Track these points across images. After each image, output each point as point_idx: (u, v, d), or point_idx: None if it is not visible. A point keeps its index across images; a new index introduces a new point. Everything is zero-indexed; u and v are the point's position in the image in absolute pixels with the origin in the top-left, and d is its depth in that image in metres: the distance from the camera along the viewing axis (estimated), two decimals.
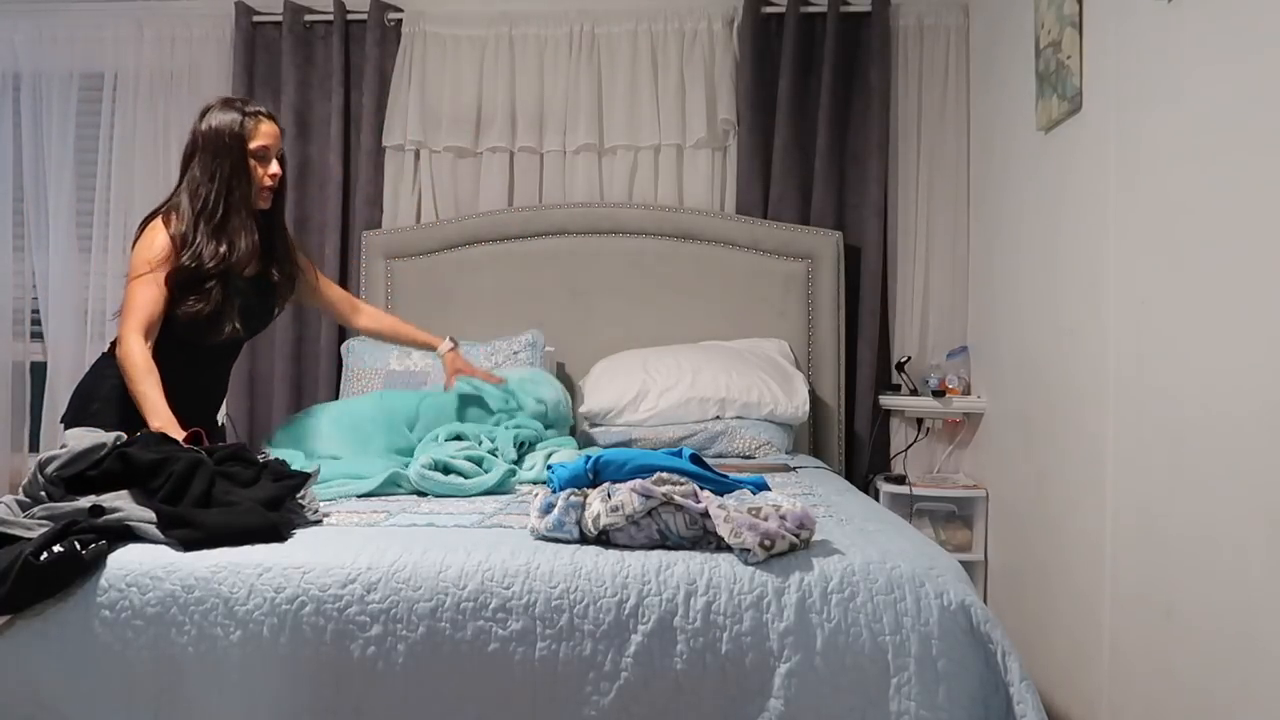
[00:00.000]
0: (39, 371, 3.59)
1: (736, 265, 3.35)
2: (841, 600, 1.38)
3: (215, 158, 2.22)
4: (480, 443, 2.32)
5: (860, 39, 3.42)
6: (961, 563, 1.75)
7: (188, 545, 1.48)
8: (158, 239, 2.22)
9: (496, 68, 3.48)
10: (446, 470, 2.10)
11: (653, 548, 1.48)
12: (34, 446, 3.59)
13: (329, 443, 2.37)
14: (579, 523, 1.51)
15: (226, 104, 2.29)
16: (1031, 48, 2.62)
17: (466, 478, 2.08)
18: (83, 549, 1.42)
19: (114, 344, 2.27)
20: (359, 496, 2.01)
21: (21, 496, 1.58)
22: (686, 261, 3.36)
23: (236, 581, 1.42)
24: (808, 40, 3.41)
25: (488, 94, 3.49)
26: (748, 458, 2.88)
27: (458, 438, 2.35)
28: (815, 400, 3.28)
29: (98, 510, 1.52)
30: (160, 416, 2.05)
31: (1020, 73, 2.75)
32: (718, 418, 2.97)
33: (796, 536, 1.45)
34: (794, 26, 3.36)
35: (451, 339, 2.71)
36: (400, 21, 3.52)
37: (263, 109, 2.31)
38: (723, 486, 1.69)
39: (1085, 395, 2.29)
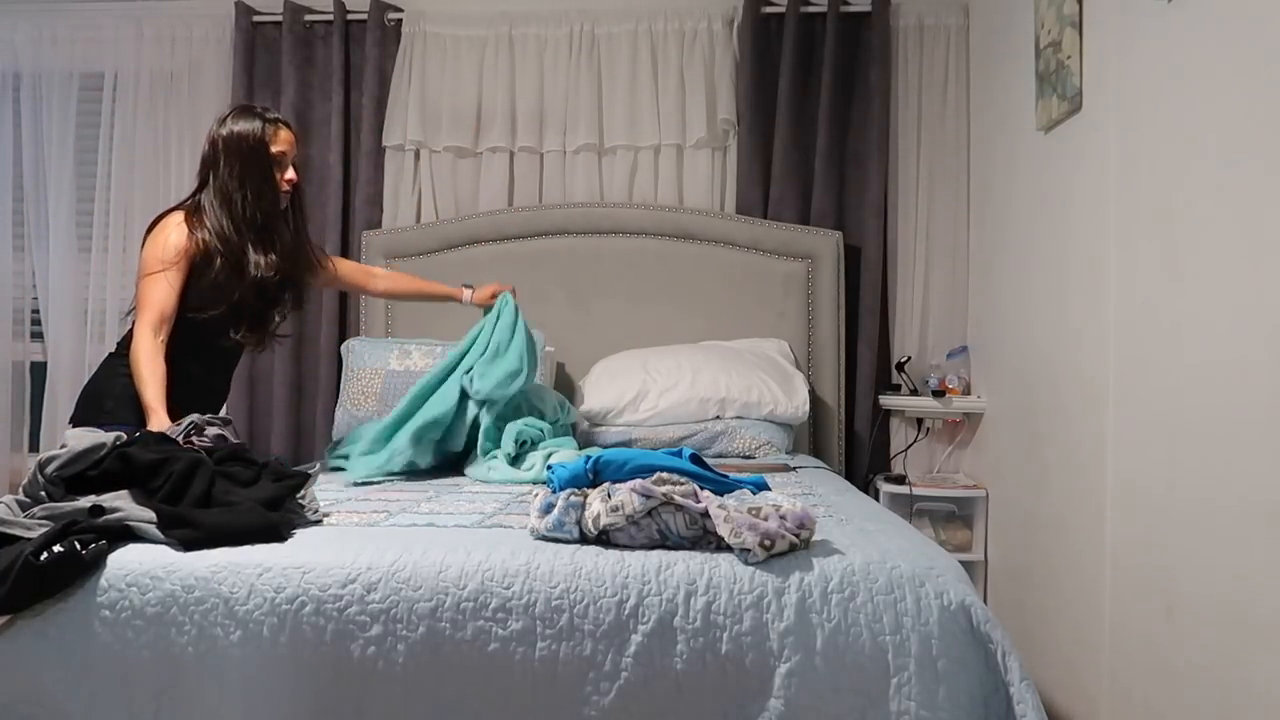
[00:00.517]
0: (39, 371, 3.59)
1: (736, 265, 3.35)
2: (841, 600, 1.38)
3: (243, 164, 2.27)
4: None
5: (860, 39, 3.42)
6: (961, 563, 1.75)
7: (188, 545, 1.48)
8: (171, 237, 2.24)
9: (496, 68, 3.48)
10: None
11: (653, 548, 1.48)
12: (34, 446, 3.59)
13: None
14: (579, 523, 1.51)
15: (245, 110, 2.34)
16: (1031, 48, 2.62)
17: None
18: (83, 549, 1.42)
19: (121, 343, 2.29)
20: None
21: (21, 496, 1.58)
22: (686, 261, 3.36)
23: (236, 581, 1.42)
24: (808, 40, 3.41)
25: (488, 94, 3.49)
26: (748, 458, 2.88)
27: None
28: (815, 400, 3.28)
29: (98, 510, 1.52)
30: (156, 418, 2.06)
31: (1020, 73, 2.75)
32: (718, 418, 2.97)
33: (796, 536, 1.45)
34: (794, 26, 3.36)
35: (467, 284, 2.82)
36: (400, 21, 3.52)
37: (280, 116, 2.37)
38: (723, 486, 1.69)
39: (1085, 395, 2.29)
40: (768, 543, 1.41)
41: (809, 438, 3.29)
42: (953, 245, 3.40)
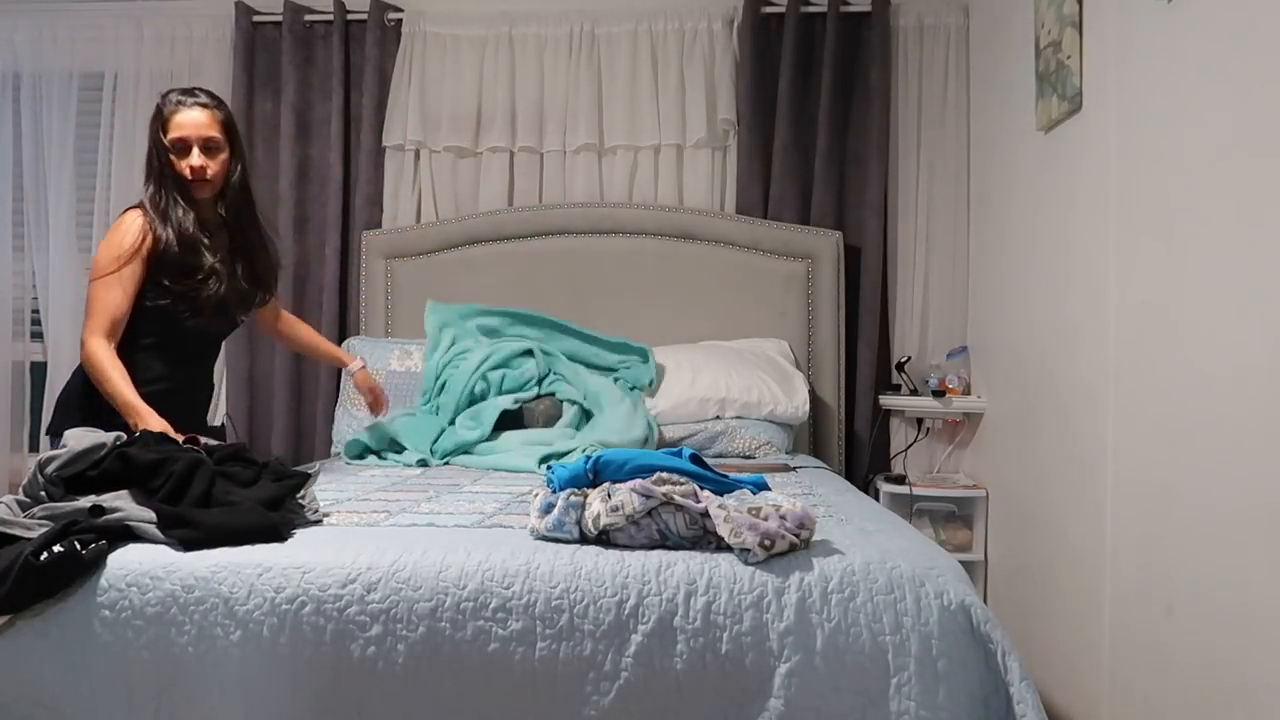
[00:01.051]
0: (39, 371, 3.59)
1: (736, 265, 3.35)
2: (841, 600, 1.38)
3: (149, 152, 2.23)
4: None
5: (860, 39, 3.42)
6: (961, 563, 1.75)
7: (188, 545, 1.48)
8: (119, 235, 2.17)
9: (496, 68, 3.48)
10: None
11: (653, 548, 1.48)
12: (34, 446, 3.59)
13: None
14: (579, 523, 1.51)
15: (169, 91, 2.28)
16: (1031, 48, 2.62)
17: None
18: (83, 549, 1.42)
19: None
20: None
21: (21, 496, 1.58)
22: (686, 261, 3.36)
23: (236, 581, 1.42)
24: (808, 40, 3.41)
25: (488, 94, 3.49)
26: (748, 458, 2.88)
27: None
28: (815, 400, 3.28)
29: (98, 510, 1.52)
30: (139, 413, 2.03)
31: (1020, 73, 2.75)
32: (718, 418, 2.97)
33: (796, 536, 1.45)
34: (794, 26, 3.36)
35: (361, 358, 2.84)
36: (400, 21, 3.52)
37: (190, 98, 2.24)
38: (723, 486, 1.69)
39: (1085, 395, 2.29)
40: (768, 543, 1.41)
41: (809, 438, 3.29)
42: (953, 245, 3.40)
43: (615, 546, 1.48)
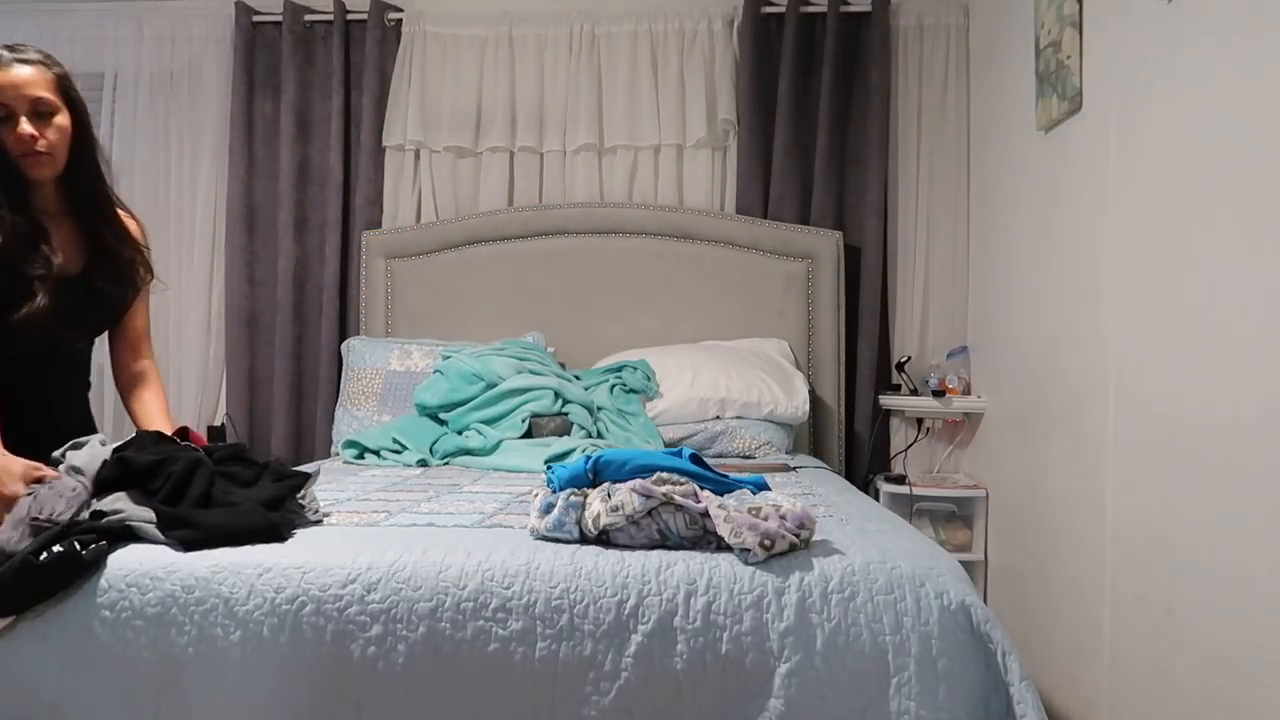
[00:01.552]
0: None
1: (736, 265, 3.35)
2: (841, 600, 1.38)
3: None
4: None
5: (860, 39, 3.42)
6: (961, 563, 1.75)
7: (188, 546, 1.48)
8: None
9: (496, 68, 3.48)
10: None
11: (653, 548, 1.48)
12: None
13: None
14: (579, 523, 1.51)
15: None
16: (1031, 48, 2.62)
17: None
18: (82, 549, 1.42)
19: None
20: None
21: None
22: (686, 261, 3.36)
23: (236, 581, 1.42)
24: (808, 40, 3.41)
25: (488, 94, 3.49)
26: (748, 458, 2.88)
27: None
28: (815, 400, 3.28)
29: (98, 512, 1.52)
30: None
31: (1020, 73, 2.75)
32: (718, 418, 2.97)
33: (796, 536, 1.45)
34: (794, 26, 3.36)
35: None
36: (400, 21, 3.52)
37: (12, 54, 1.77)
38: (723, 486, 1.69)
39: (1085, 395, 2.29)
40: (768, 543, 1.41)
41: (809, 438, 3.29)
42: (953, 245, 3.40)
43: (615, 546, 1.48)
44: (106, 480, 1.58)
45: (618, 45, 3.47)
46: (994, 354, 3.09)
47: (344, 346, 3.30)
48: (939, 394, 3.19)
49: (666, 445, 2.87)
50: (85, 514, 1.51)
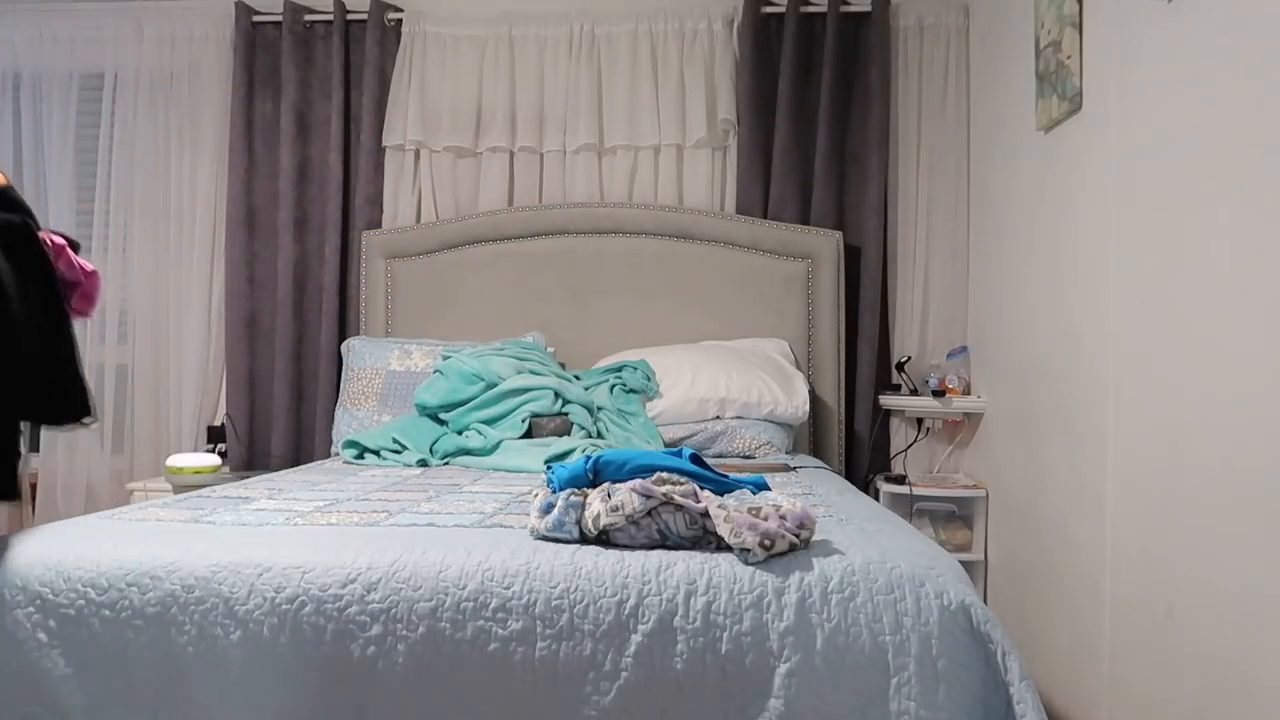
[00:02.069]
0: None
1: (736, 265, 3.35)
2: (841, 600, 1.38)
3: None
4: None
5: (860, 39, 3.42)
6: (961, 563, 1.75)
7: None
8: None
9: (496, 68, 3.48)
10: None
11: (653, 548, 1.48)
12: (34, 446, 3.59)
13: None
14: (579, 523, 1.51)
15: None
16: (1031, 48, 2.62)
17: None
18: None
19: None
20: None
21: None
22: (686, 261, 3.36)
23: (236, 581, 1.42)
24: (808, 40, 3.41)
25: (488, 94, 3.49)
26: (748, 458, 2.88)
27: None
28: (815, 400, 3.28)
29: None
30: None
31: (1020, 73, 2.75)
32: (718, 418, 2.97)
33: (796, 536, 1.45)
34: (794, 26, 3.36)
35: None
36: (400, 21, 3.52)
37: None
38: (723, 486, 1.69)
39: (1085, 395, 2.29)
40: (768, 543, 1.41)
41: (809, 438, 3.29)
42: (953, 245, 3.40)
43: (615, 546, 1.48)
44: None
45: (618, 45, 3.47)
46: (994, 354, 3.09)
47: (344, 346, 3.30)
48: (939, 394, 3.19)
49: (666, 445, 2.87)
50: None
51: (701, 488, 1.57)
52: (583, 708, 1.35)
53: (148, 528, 1.63)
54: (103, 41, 3.57)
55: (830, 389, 3.33)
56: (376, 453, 2.72)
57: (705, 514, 1.47)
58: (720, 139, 3.46)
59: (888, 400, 3.34)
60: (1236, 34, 1.65)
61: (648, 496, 1.47)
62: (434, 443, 2.73)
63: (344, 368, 3.26)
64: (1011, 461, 2.89)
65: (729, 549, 1.45)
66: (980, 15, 3.29)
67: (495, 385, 2.90)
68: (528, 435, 2.81)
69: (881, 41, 3.36)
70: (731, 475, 1.75)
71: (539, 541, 1.52)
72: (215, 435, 3.44)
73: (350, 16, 3.52)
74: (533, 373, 2.98)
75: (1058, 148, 2.50)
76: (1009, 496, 2.92)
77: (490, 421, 2.83)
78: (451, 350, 3.09)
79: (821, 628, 1.36)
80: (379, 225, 3.52)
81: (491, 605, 1.38)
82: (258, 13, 3.54)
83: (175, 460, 3.08)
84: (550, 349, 3.25)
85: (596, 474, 1.66)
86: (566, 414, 2.86)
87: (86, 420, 1.67)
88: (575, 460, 1.73)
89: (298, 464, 3.44)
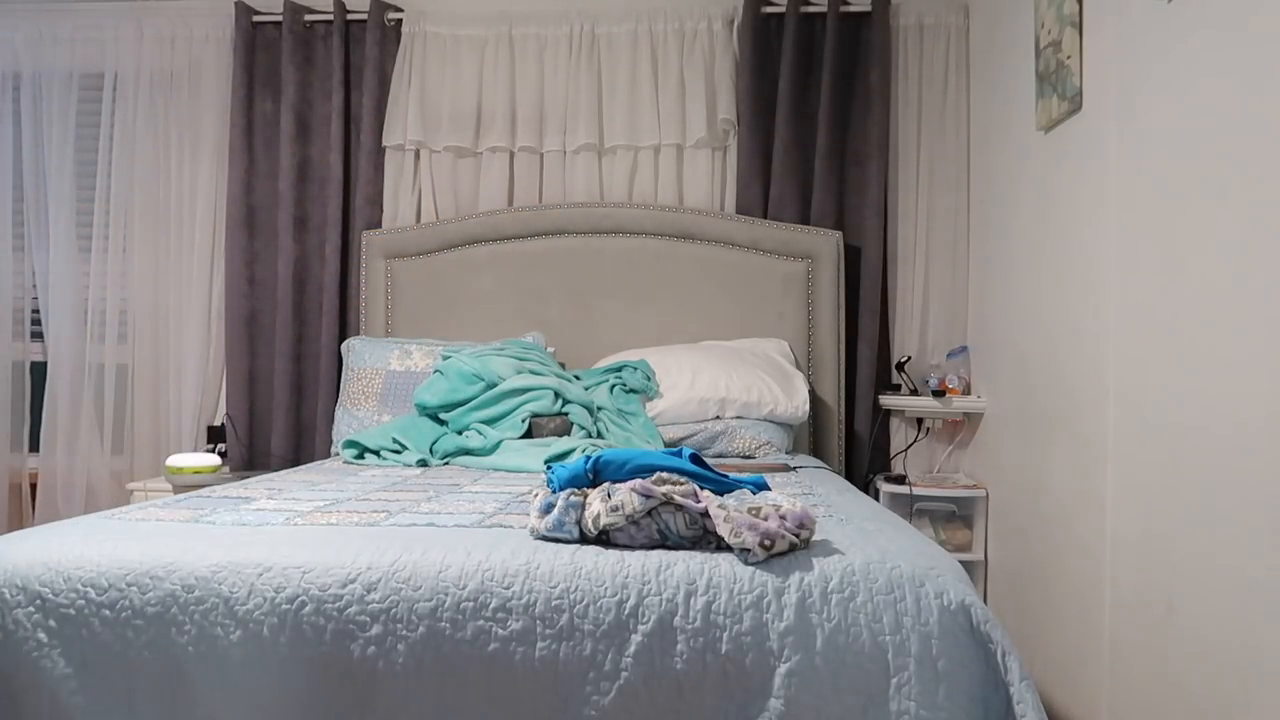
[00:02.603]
0: (39, 371, 3.59)
1: (736, 265, 3.35)
2: (841, 600, 1.38)
3: None
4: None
5: (860, 39, 3.42)
6: (961, 563, 1.75)
7: None
8: None
9: (496, 68, 3.48)
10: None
11: (653, 548, 1.48)
12: (34, 446, 3.59)
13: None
14: (579, 523, 1.51)
15: None
16: (1031, 48, 2.62)
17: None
18: None
19: None
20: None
21: None
22: (686, 261, 3.36)
23: (236, 581, 1.42)
24: (808, 40, 3.41)
25: (488, 94, 3.49)
26: (748, 458, 2.88)
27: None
28: (815, 400, 3.28)
29: None
30: None
31: (1020, 73, 2.75)
32: (718, 418, 2.97)
33: (796, 536, 1.45)
34: (794, 26, 3.36)
35: None
36: (400, 21, 3.52)
37: None
38: (723, 486, 1.69)
39: (1085, 395, 2.29)
40: (768, 543, 1.41)
41: (809, 438, 3.29)
42: (953, 245, 3.40)
43: (615, 546, 1.48)
44: None
45: (618, 45, 3.47)
46: (994, 354, 3.09)
47: (344, 346, 3.30)
48: (939, 394, 3.19)
49: (666, 445, 2.87)
50: None
51: (701, 488, 1.57)
52: (583, 708, 1.35)
53: (148, 527, 1.63)
54: (103, 41, 3.57)
55: (830, 389, 3.33)
56: (376, 453, 2.72)
57: (705, 514, 1.47)
58: (720, 139, 3.46)
59: (888, 400, 3.34)
60: (1236, 34, 1.65)
61: (648, 496, 1.47)
62: (434, 443, 2.73)
63: (344, 368, 3.26)
64: (1011, 461, 2.89)
65: (729, 549, 1.45)
66: (980, 15, 3.29)
67: (495, 385, 2.90)
68: (528, 435, 2.80)
69: (881, 41, 3.36)
70: (731, 475, 1.75)
71: (539, 541, 1.52)
72: (215, 435, 3.44)
73: (350, 16, 3.52)
74: (533, 373, 2.98)
75: (1058, 148, 2.50)
76: (1009, 496, 2.92)
77: (490, 421, 2.83)
78: (451, 350, 3.09)
79: (821, 628, 1.36)
80: (379, 225, 3.52)
81: (491, 605, 1.39)
82: (258, 13, 3.54)
83: (175, 460, 3.08)
84: (550, 349, 3.26)
85: (596, 474, 1.66)
86: (566, 414, 2.86)
87: None
88: (575, 460, 1.73)
89: (298, 464, 3.44)
